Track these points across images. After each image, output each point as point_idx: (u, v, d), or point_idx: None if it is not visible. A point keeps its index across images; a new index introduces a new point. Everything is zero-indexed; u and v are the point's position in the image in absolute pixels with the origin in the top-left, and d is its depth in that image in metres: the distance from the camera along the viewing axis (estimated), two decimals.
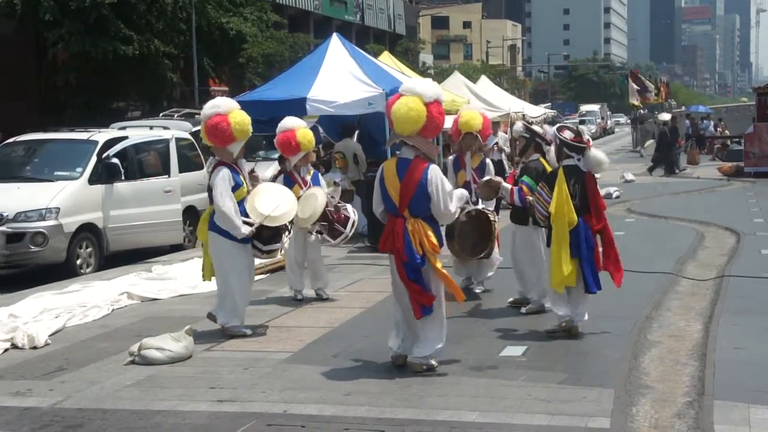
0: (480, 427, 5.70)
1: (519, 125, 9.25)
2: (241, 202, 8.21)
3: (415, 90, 6.81)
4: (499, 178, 8.87)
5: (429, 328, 6.92)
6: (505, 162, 16.94)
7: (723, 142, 36.22)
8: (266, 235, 8.26)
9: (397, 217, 6.89)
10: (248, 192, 8.33)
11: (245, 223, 8.14)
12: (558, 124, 8.51)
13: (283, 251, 8.72)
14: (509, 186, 8.59)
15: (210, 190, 8.29)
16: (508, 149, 18.36)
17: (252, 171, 8.69)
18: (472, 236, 8.24)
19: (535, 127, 9.12)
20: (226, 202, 8.05)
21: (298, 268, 10.05)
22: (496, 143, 17.15)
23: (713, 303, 9.31)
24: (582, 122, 52.43)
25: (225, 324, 8.36)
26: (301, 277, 10.09)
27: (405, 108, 6.73)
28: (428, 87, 6.88)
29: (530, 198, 8.15)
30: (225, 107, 8.22)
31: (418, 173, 6.79)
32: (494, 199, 9.52)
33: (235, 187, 8.18)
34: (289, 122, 9.86)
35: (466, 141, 10.01)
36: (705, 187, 24.34)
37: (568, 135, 7.88)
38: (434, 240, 6.85)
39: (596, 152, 7.90)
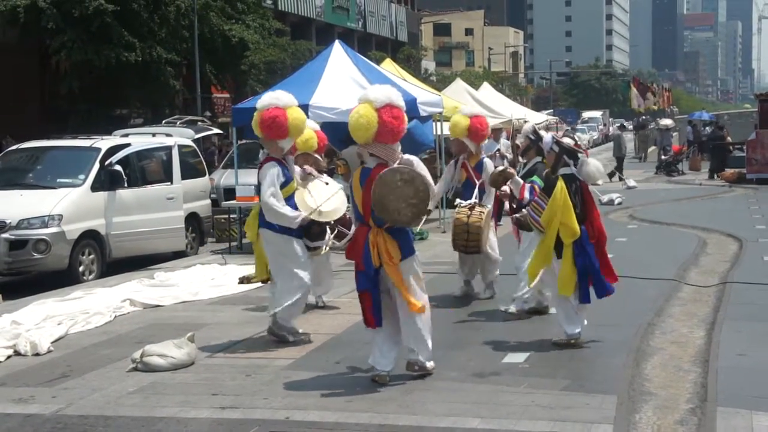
0: None
1: (529, 126, 9.23)
2: (290, 198, 8.11)
3: (367, 97, 6.85)
4: (513, 170, 8.78)
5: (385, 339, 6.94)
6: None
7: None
8: (315, 231, 8.19)
9: (362, 226, 6.91)
10: (297, 188, 8.24)
11: None
12: (551, 133, 8.49)
13: (326, 248, 8.46)
14: (521, 181, 8.54)
15: (259, 185, 8.18)
16: (510, 156, 18.36)
17: (309, 172, 8.53)
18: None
19: (542, 132, 9.14)
20: (273, 195, 7.91)
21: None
22: (498, 150, 17.16)
23: (716, 309, 9.30)
24: (575, 130, 52.49)
25: (281, 319, 8.15)
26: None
27: (356, 116, 6.77)
28: (379, 92, 6.86)
29: (525, 210, 8.07)
30: (285, 100, 8.09)
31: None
32: (493, 197, 9.57)
33: (285, 183, 8.05)
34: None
35: (455, 146, 10.06)
36: (707, 193, 24.33)
37: (568, 141, 7.90)
38: (393, 251, 6.76)
39: (594, 161, 7.88)
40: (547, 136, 8.09)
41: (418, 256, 7.05)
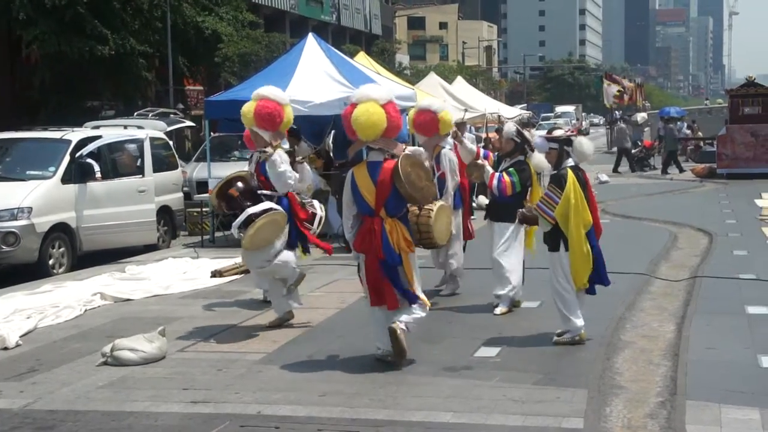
0: (454, 428, 5.71)
1: (511, 127, 9.25)
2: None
3: (370, 96, 7.08)
4: (483, 161, 9.19)
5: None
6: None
7: (696, 144, 36.49)
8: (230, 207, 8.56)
9: (373, 218, 7.03)
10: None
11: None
12: (537, 134, 8.61)
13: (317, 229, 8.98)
14: (491, 170, 8.86)
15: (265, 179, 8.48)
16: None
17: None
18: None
19: (526, 133, 9.23)
20: (286, 170, 8.33)
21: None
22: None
23: (686, 303, 9.38)
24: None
25: (291, 282, 8.61)
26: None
27: (366, 114, 6.97)
28: (380, 90, 7.27)
29: (534, 204, 8.12)
30: (286, 99, 8.56)
31: (390, 173, 7.02)
32: (452, 189, 9.62)
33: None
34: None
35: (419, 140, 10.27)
36: (678, 188, 24.52)
37: (560, 132, 8.04)
38: (410, 238, 7.16)
39: (581, 137, 7.96)
40: (537, 139, 8.13)
41: None
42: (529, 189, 8.92)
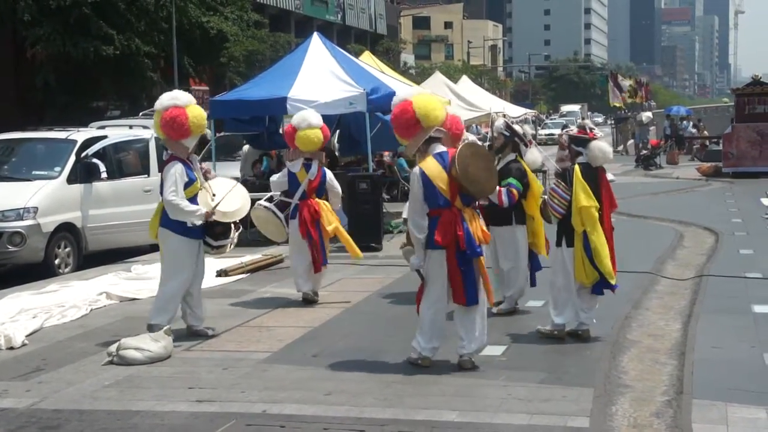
0: (460, 427, 5.70)
1: (500, 122, 9.19)
2: (193, 199, 8.10)
3: (419, 88, 7.15)
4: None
5: (473, 322, 6.98)
6: None
7: (702, 143, 36.43)
8: (218, 231, 8.23)
9: (450, 209, 6.89)
10: (201, 188, 8.22)
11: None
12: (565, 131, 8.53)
13: (231, 247, 8.53)
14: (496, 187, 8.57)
15: (161, 184, 8.13)
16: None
17: (206, 171, 8.51)
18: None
19: (516, 127, 9.11)
20: (175, 193, 7.92)
21: (304, 271, 9.80)
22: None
23: (692, 302, 9.36)
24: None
25: (150, 320, 8.15)
26: (308, 280, 9.85)
27: (435, 103, 7.00)
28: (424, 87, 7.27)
29: (544, 196, 8.17)
30: (184, 100, 8.06)
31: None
32: None
33: (189, 183, 8.05)
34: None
35: None
36: (684, 187, 24.46)
37: (573, 130, 8.00)
38: (485, 229, 7.09)
39: (598, 143, 7.84)
40: (529, 130, 8.15)
41: None
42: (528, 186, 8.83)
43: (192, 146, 8.22)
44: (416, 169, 6.98)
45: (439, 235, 6.86)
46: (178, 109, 7.96)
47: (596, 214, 7.71)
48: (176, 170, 8.00)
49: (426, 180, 6.88)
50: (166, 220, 8.12)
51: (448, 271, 6.91)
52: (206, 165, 8.68)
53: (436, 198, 6.89)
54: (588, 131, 7.92)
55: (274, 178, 10.20)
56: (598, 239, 7.69)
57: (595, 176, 7.81)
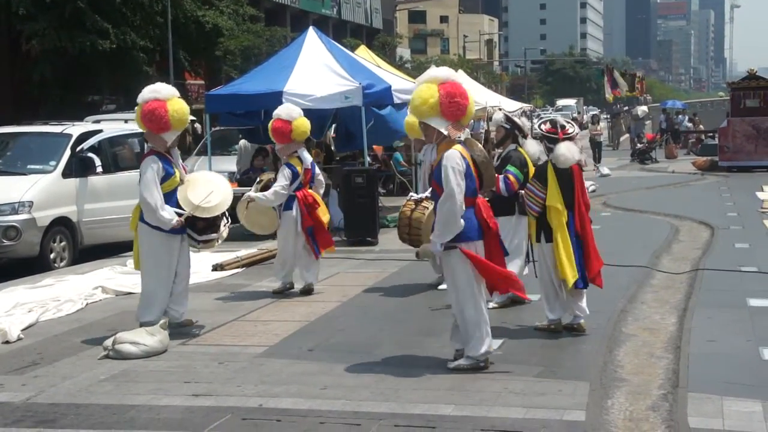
0: (456, 421, 5.70)
1: (500, 115, 9.17)
2: (173, 193, 8.05)
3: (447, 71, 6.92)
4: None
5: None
6: None
7: (697, 137, 36.47)
8: (201, 226, 8.15)
9: (478, 197, 6.80)
10: (181, 182, 8.17)
11: (178, 214, 8.01)
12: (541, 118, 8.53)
13: (220, 241, 8.48)
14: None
15: (140, 178, 8.08)
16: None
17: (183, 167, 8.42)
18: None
19: (515, 119, 9.10)
20: (151, 194, 7.88)
21: (290, 262, 9.89)
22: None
23: (687, 296, 9.37)
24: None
25: (139, 319, 8.14)
26: (292, 272, 9.97)
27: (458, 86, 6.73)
28: (445, 71, 6.97)
29: (521, 192, 8.16)
30: (165, 93, 8.01)
31: None
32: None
33: (166, 177, 8.00)
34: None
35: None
36: (680, 181, 24.49)
37: (545, 127, 7.92)
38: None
39: (565, 144, 7.70)
40: (527, 122, 8.15)
41: None
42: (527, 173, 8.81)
43: (172, 140, 8.13)
44: (454, 153, 6.61)
45: (484, 223, 6.72)
46: (158, 102, 7.92)
47: (562, 215, 7.66)
48: (154, 167, 7.95)
49: (467, 167, 6.66)
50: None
51: (495, 260, 6.77)
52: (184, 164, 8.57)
53: (471, 184, 6.69)
54: (559, 129, 7.82)
55: (281, 190, 9.80)
56: (563, 242, 7.67)
57: (568, 173, 7.77)
